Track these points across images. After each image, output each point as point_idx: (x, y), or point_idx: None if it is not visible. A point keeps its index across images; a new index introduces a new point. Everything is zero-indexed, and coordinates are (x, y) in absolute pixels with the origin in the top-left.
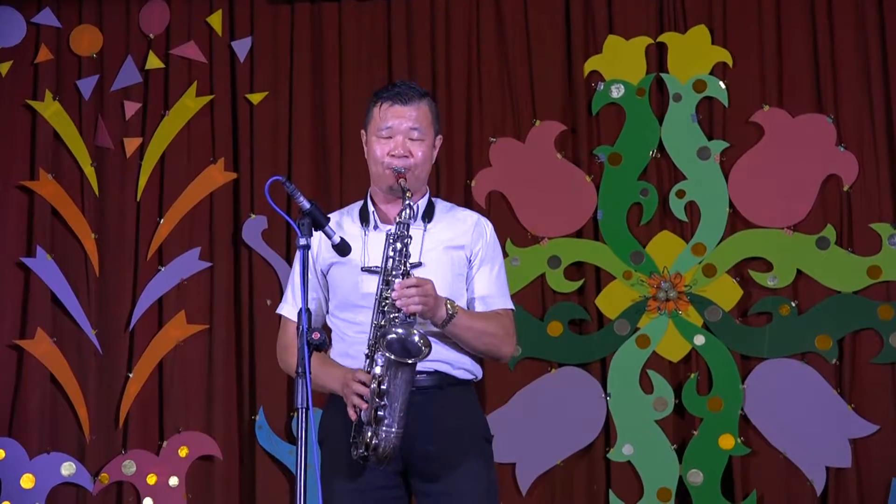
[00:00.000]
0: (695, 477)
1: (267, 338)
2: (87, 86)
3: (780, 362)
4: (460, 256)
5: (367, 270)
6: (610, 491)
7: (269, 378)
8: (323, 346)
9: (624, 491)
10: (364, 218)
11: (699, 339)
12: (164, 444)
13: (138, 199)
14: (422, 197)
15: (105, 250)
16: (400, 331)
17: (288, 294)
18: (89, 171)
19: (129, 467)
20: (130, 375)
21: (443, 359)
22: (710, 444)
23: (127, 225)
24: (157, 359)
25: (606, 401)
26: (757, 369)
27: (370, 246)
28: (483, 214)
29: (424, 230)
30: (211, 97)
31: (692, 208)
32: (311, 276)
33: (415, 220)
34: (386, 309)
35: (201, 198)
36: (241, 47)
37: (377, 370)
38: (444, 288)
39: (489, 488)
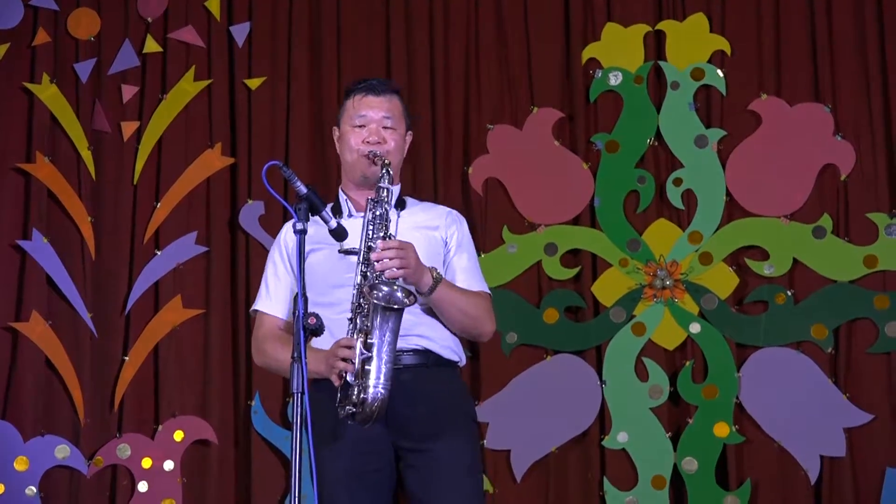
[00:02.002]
0: (689, 465)
1: None
2: (84, 69)
3: (775, 351)
4: (435, 237)
5: (346, 252)
6: (604, 478)
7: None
8: (319, 330)
9: (618, 478)
10: (337, 209)
11: (695, 328)
12: (160, 427)
13: (135, 183)
14: (396, 186)
15: (101, 234)
16: (384, 288)
17: (262, 290)
18: (86, 155)
19: (123, 451)
20: (126, 359)
21: (427, 335)
22: (705, 432)
23: (123, 209)
24: (153, 343)
25: (602, 388)
26: (752, 358)
27: (348, 228)
28: (480, 201)
29: (398, 216)
30: (209, 82)
31: (689, 196)
32: (283, 271)
33: (391, 205)
34: (368, 273)
35: (198, 182)
36: (240, 32)
37: (361, 323)
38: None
39: (472, 465)
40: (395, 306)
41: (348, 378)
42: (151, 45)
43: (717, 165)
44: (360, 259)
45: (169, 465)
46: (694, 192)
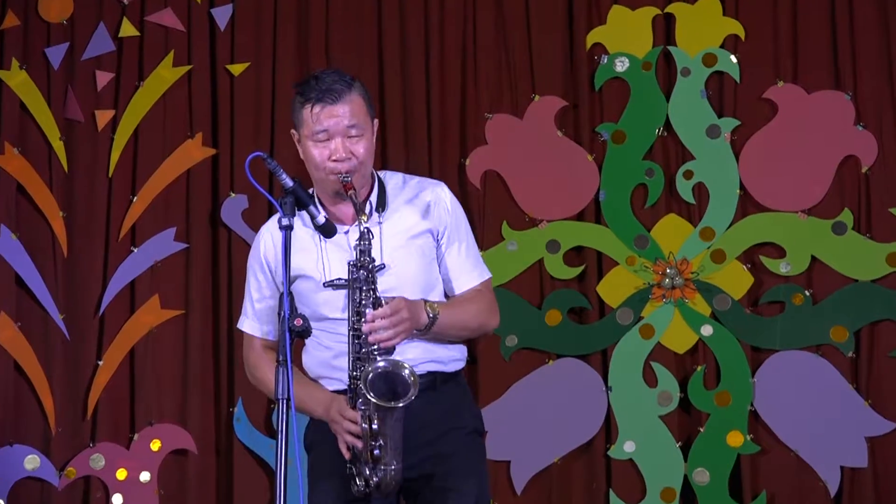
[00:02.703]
0: (701, 476)
1: None
2: (56, 54)
3: (792, 355)
4: (428, 242)
5: (331, 285)
6: (610, 491)
7: None
8: (305, 332)
9: (625, 491)
10: (317, 224)
11: (707, 330)
12: (136, 436)
13: (110, 176)
14: (370, 188)
15: (74, 230)
16: (381, 364)
17: (246, 306)
18: (58, 146)
19: (97, 461)
20: (100, 363)
21: (434, 358)
22: (718, 441)
23: (98, 203)
24: (129, 346)
25: (607, 394)
26: (768, 362)
27: (329, 253)
28: (478, 196)
29: (380, 222)
30: (189, 68)
31: (700, 190)
32: (265, 287)
33: (368, 219)
34: (361, 342)
35: (177, 175)
36: (222, 14)
37: (364, 408)
38: (418, 280)
39: (481, 484)
40: (399, 405)
41: (359, 454)
42: (128, 29)
43: (731, 157)
44: (351, 329)
45: (145, 476)
46: (705, 185)
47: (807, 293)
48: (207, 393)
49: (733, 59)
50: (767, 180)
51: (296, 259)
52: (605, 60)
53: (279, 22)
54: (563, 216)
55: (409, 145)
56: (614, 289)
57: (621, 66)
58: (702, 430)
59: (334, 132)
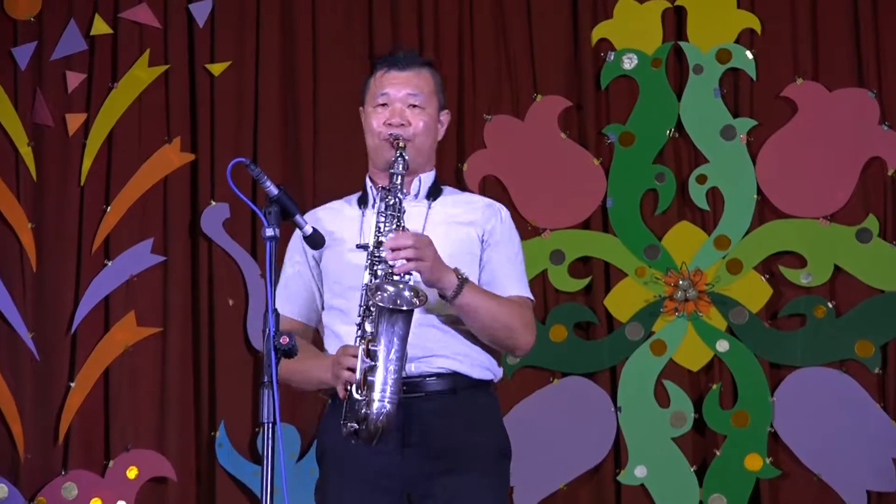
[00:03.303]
0: (717, 502)
1: (229, 343)
2: (23, 54)
3: (814, 371)
4: (469, 233)
5: (361, 247)
6: None
7: (231, 389)
8: (292, 351)
9: None
10: (363, 200)
11: (722, 345)
12: (111, 463)
13: (82, 184)
14: (428, 173)
15: (43, 242)
16: (390, 288)
17: (280, 289)
18: (25, 152)
19: (69, 490)
20: (72, 385)
21: (456, 353)
22: (735, 464)
23: (69, 213)
24: (103, 366)
25: (616, 416)
26: (788, 379)
27: (368, 226)
28: None
29: (429, 207)
30: (166, 67)
31: (715, 195)
32: (303, 269)
33: (417, 197)
34: (378, 270)
35: (154, 182)
36: (201, 10)
37: (367, 328)
38: (451, 262)
39: None
40: (403, 307)
41: (353, 391)
42: (100, 27)
43: (747, 160)
44: (370, 255)
45: None
46: (720, 190)
47: (829, 305)
48: (187, 416)
49: (749, 54)
50: (786, 184)
51: (332, 223)
52: (612, 57)
53: (262, 17)
54: (568, 224)
55: None
56: (623, 302)
57: (629, 63)
58: (718, 452)
59: (394, 98)
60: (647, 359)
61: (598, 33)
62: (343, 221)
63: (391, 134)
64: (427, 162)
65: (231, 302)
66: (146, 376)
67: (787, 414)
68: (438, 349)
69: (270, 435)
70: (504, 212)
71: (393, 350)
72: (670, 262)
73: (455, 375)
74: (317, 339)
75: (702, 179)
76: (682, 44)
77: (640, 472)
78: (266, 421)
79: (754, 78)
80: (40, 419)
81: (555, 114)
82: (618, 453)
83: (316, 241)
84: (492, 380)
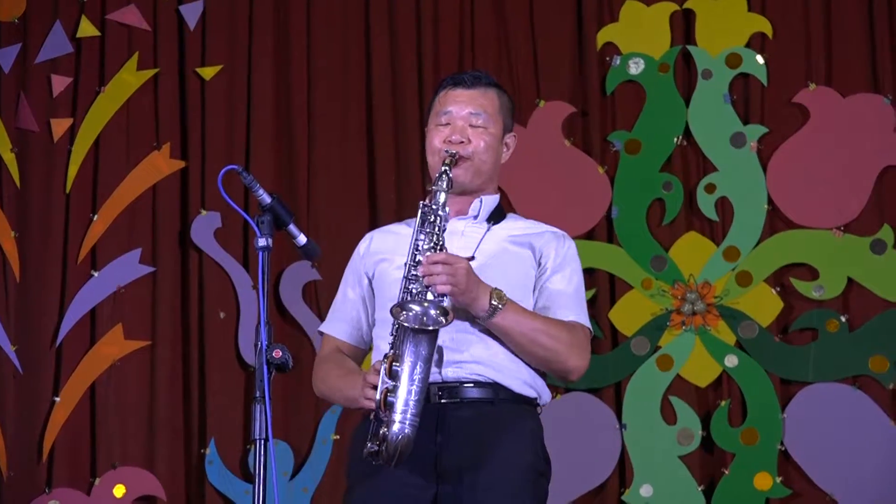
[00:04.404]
0: None
1: (219, 357)
2: (6, 56)
3: (826, 387)
4: (526, 254)
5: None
6: None
7: (222, 404)
8: (285, 366)
9: None
10: None
11: (731, 360)
12: (97, 481)
13: (68, 192)
14: (491, 196)
15: (27, 251)
16: (416, 307)
17: (332, 311)
18: (9, 158)
19: None
20: (57, 400)
21: (495, 363)
22: (744, 484)
23: (54, 222)
24: (89, 381)
25: (621, 433)
26: (799, 396)
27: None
28: None
29: (487, 229)
30: (155, 71)
31: (724, 205)
32: (353, 283)
33: (476, 218)
34: (412, 288)
35: (143, 190)
36: (191, 12)
37: (389, 351)
38: (500, 280)
39: None
40: (428, 328)
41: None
42: (87, 29)
43: (757, 168)
44: (406, 273)
45: None
46: (729, 200)
47: (842, 319)
48: (177, 433)
49: (760, 59)
50: (798, 194)
51: (387, 245)
52: (618, 62)
53: (255, 20)
54: (572, 235)
55: (399, 155)
56: (629, 315)
57: (635, 67)
58: (726, 471)
59: (457, 116)
60: (653, 374)
61: (603, 37)
62: (398, 239)
63: (447, 151)
64: (488, 183)
65: (222, 315)
66: (134, 391)
67: (798, 431)
68: (476, 356)
69: (262, 452)
70: (568, 240)
71: (416, 371)
72: (677, 275)
73: (495, 386)
74: None
75: (710, 188)
76: (690, 48)
77: (645, 491)
78: (258, 437)
79: (765, 83)
80: (23, 435)
81: (559, 120)
82: (623, 472)
83: (310, 252)
84: (535, 398)
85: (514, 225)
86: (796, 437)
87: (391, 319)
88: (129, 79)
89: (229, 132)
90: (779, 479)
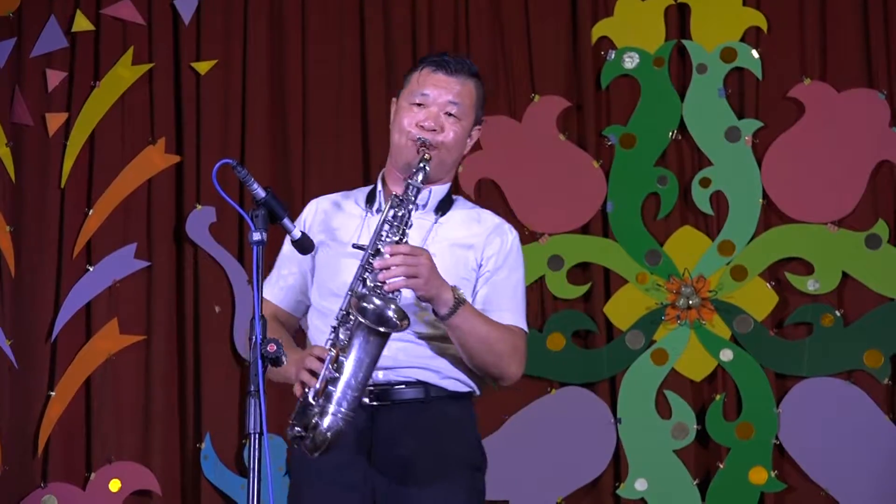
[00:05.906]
0: None
1: (215, 351)
2: (1, 51)
3: (821, 382)
4: (468, 258)
5: (358, 247)
6: None
7: (217, 399)
8: (279, 360)
9: None
10: (370, 199)
11: (726, 355)
12: (92, 476)
13: (63, 186)
14: (442, 185)
15: (23, 246)
16: (378, 301)
17: (273, 274)
18: (4, 152)
19: (49, 503)
20: (52, 394)
21: (427, 365)
22: (739, 478)
23: (49, 216)
24: (85, 375)
25: (616, 427)
26: (794, 390)
27: (368, 228)
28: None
29: (434, 222)
30: (150, 66)
31: (719, 199)
32: (299, 258)
33: (424, 207)
34: (368, 279)
35: (138, 185)
36: (186, 6)
37: (341, 336)
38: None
39: None
40: (382, 329)
41: (310, 395)
42: (82, 23)
43: (752, 163)
44: (363, 262)
45: None
46: (724, 194)
47: (837, 313)
48: (172, 427)
49: (755, 53)
50: (793, 188)
51: (334, 224)
52: (613, 56)
53: (250, 14)
54: (567, 229)
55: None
56: (623, 310)
57: (630, 62)
58: (721, 465)
59: (433, 101)
60: (648, 368)
61: (598, 31)
62: (345, 219)
63: (420, 138)
64: (446, 174)
65: (217, 309)
66: (129, 386)
67: (793, 426)
68: (408, 360)
69: (257, 446)
70: (511, 235)
71: (361, 367)
72: (672, 269)
73: (426, 385)
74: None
75: (705, 183)
76: (685, 42)
77: (640, 485)
78: (253, 432)
79: (760, 78)
80: (19, 430)
81: (553, 115)
82: (617, 466)
83: (304, 246)
84: (469, 392)
85: (461, 217)
86: (791, 431)
87: (331, 310)
88: (124, 73)
89: (224, 127)
90: (774, 474)
